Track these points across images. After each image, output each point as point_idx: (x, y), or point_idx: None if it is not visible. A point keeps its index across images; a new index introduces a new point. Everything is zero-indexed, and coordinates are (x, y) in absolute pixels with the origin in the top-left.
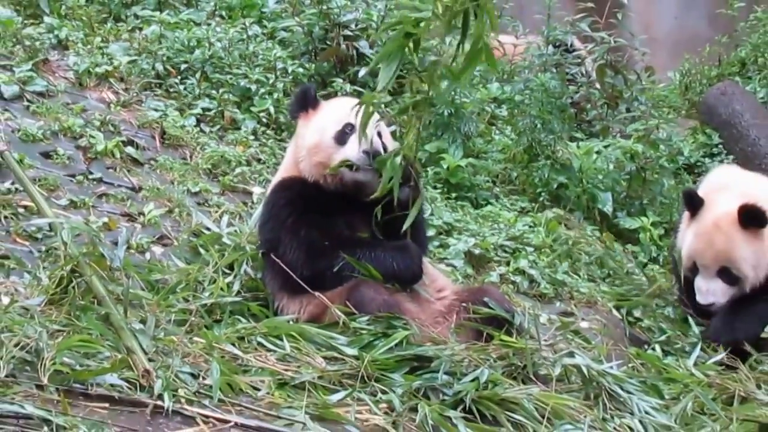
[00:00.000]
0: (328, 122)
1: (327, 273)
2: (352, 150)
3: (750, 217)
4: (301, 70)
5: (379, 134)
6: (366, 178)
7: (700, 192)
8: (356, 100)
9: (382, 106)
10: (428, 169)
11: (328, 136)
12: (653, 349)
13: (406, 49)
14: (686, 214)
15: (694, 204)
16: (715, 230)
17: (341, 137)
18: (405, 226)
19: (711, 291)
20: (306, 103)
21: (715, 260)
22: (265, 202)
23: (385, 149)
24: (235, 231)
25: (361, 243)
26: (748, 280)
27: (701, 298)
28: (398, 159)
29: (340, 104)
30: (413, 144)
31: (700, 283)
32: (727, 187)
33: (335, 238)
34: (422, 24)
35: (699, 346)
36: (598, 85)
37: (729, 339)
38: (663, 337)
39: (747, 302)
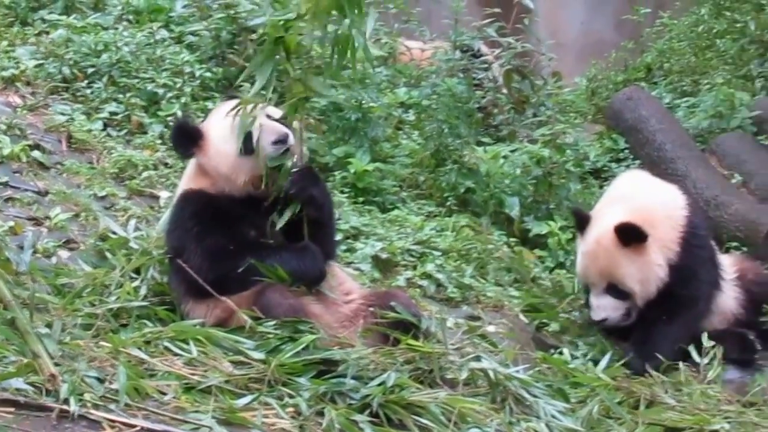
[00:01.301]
0: (225, 146)
1: (231, 276)
2: (264, 149)
3: (627, 235)
4: (208, 74)
5: (270, 117)
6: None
7: (603, 200)
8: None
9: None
10: (335, 173)
11: (234, 157)
12: (560, 353)
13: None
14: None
15: (581, 222)
16: (597, 248)
17: (247, 149)
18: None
19: (602, 307)
20: (192, 137)
21: (601, 277)
22: (172, 213)
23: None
24: (142, 235)
25: (265, 246)
26: (637, 295)
27: (593, 315)
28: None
29: (224, 120)
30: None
31: (591, 299)
32: (624, 198)
33: (240, 242)
34: (291, 28)
35: (610, 352)
36: (505, 90)
37: (651, 366)
38: (570, 342)
39: (652, 324)
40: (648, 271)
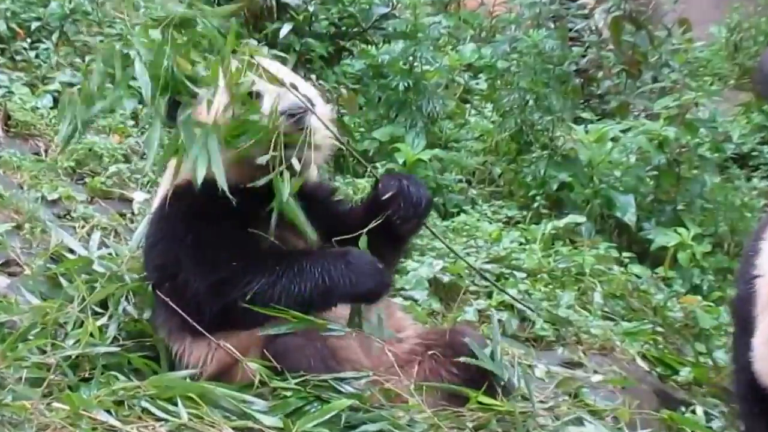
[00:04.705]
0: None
1: (239, 305)
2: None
3: None
4: None
5: (295, 87)
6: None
7: None
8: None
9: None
10: (378, 164)
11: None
12: (693, 411)
13: None
14: None
15: None
16: None
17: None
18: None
19: None
20: None
21: None
22: (155, 219)
23: (311, 102)
24: (110, 254)
25: (289, 256)
26: None
27: None
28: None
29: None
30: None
31: None
32: None
33: (251, 254)
34: None
35: None
36: (612, 46)
37: None
38: (707, 395)
39: None
40: None
